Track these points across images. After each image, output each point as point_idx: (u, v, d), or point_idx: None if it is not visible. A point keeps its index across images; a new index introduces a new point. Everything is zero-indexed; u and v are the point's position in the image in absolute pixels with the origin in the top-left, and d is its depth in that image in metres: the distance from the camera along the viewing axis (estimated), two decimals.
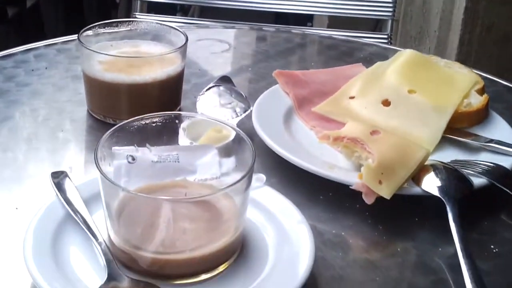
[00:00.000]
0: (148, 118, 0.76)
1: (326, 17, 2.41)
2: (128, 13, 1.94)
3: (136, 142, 0.75)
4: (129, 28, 1.06)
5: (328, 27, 2.33)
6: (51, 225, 0.72)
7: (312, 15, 2.66)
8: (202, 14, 2.72)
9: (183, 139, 0.81)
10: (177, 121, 0.78)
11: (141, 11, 1.91)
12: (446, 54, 1.93)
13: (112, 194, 0.67)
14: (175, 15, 2.47)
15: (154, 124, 0.76)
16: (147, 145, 0.75)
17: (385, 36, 1.91)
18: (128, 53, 1.03)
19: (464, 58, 1.90)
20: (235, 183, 0.66)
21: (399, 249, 0.77)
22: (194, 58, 1.23)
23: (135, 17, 1.85)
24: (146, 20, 1.07)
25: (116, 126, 0.73)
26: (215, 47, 1.31)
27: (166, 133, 0.78)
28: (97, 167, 0.66)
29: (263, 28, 1.46)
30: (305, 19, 2.76)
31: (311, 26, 2.54)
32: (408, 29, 2.18)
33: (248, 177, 0.67)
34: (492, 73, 1.24)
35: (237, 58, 1.28)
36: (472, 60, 1.91)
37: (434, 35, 2.01)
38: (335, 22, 2.36)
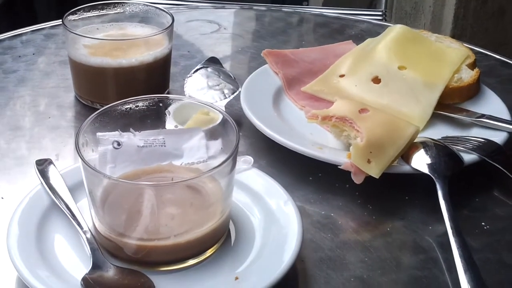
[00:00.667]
0: (132, 102, 0.75)
1: None
2: None
3: (121, 127, 0.74)
4: (116, 11, 1.05)
5: (323, 6, 2.31)
6: (35, 214, 0.71)
7: None
8: None
9: (169, 123, 0.80)
10: (161, 105, 0.76)
11: None
12: (441, 29, 1.91)
13: (95, 181, 0.66)
14: None
15: (138, 108, 0.75)
16: (131, 129, 0.74)
17: (380, 13, 1.89)
18: (114, 36, 1.01)
19: (460, 32, 1.88)
20: (218, 166, 0.64)
21: (389, 229, 0.76)
22: (183, 40, 1.22)
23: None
24: (134, 2, 1.06)
25: (99, 111, 0.72)
26: (204, 28, 1.29)
27: (152, 117, 0.76)
28: (78, 153, 0.65)
29: (254, 8, 1.44)
30: None
31: (307, 5, 2.52)
32: (402, 5, 2.16)
33: (232, 159, 0.66)
34: (488, 47, 1.22)
35: (227, 39, 1.27)
36: (468, 35, 1.88)
37: (429, 10, 1.98)
38: (330, 0, 2.34)
